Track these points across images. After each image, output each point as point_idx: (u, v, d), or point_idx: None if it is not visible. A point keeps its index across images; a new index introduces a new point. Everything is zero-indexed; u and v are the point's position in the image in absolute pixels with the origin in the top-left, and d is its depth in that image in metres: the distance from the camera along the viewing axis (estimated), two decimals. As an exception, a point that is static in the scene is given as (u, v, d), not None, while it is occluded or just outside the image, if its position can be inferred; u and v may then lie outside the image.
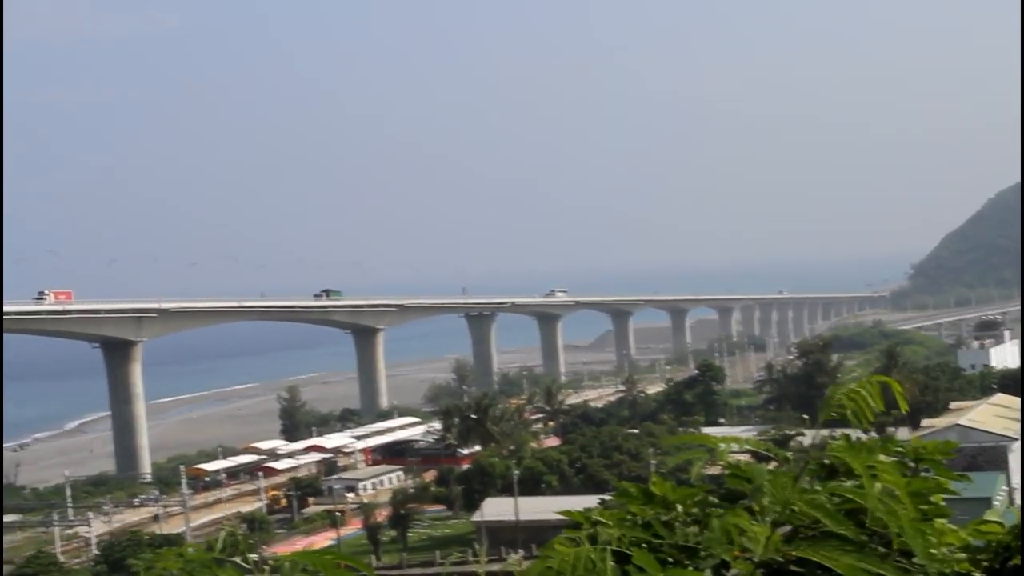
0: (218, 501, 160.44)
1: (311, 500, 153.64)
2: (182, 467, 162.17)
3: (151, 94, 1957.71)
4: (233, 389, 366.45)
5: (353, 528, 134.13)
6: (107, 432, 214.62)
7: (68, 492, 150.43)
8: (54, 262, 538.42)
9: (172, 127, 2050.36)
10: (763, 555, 5.65)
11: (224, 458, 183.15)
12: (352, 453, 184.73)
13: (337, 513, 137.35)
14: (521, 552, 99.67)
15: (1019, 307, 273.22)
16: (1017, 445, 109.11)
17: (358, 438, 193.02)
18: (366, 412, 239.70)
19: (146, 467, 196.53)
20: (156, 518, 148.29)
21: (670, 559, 5.81)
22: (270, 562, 6.59)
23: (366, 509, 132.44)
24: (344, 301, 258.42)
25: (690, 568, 5.72)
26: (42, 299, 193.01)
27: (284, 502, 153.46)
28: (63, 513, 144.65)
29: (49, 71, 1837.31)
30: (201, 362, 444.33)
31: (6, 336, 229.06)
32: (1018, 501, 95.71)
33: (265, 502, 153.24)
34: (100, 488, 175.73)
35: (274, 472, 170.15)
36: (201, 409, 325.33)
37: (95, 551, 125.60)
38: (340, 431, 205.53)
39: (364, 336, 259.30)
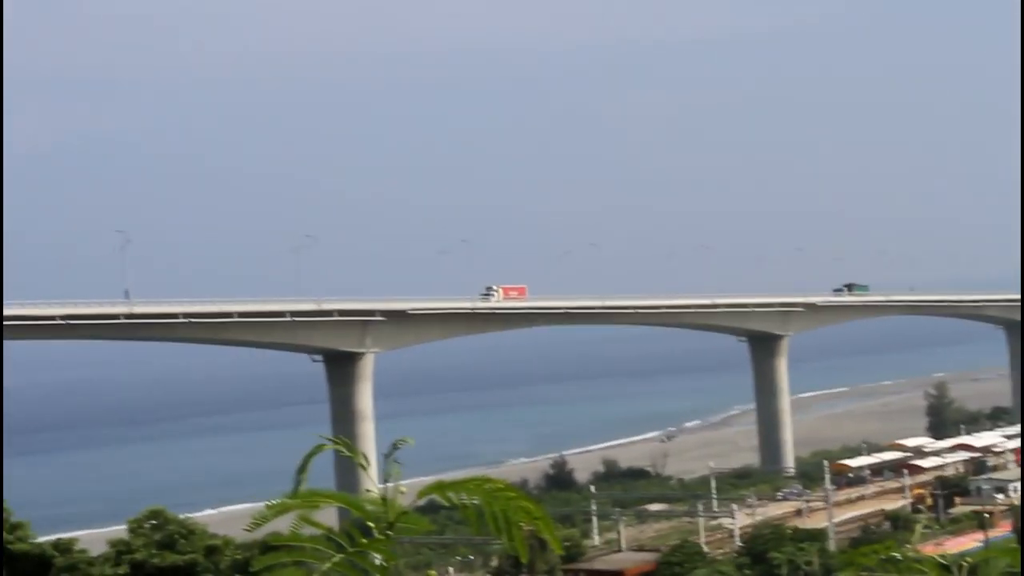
0: (861, 498, 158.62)
1: (958, 500, 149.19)
2: (825, 462, 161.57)
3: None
4: (877, 385, 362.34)
5: (1002, 531, 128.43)
6: (751, 426, 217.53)
7: (712, 483, 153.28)
8: (705, 258, 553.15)
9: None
10: None
11: (868, 454, 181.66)
12: (1002, 453, 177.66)
13: (985, 515, 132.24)
14: None
15: None
16: None
17: (1009, 437, 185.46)
18: (1018, 411, 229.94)
19: (789, 461, 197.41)
20: (799, 512, 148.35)
21: None
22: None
23: (1016, 511, 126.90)
24: (997, 296, 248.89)
25: None
26: (489, 296, 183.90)
27: (929, 501, 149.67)
28: (707, 504, 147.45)
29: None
30: (843, 357, 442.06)
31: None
32: None
33: (909, 500, 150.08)
34: (744, 481, 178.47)
35: (919, 470, 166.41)
36: (844, 405, 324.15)
37: (738, 543, 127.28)
38: (990, 430, 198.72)
39: (1017, 332, 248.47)
